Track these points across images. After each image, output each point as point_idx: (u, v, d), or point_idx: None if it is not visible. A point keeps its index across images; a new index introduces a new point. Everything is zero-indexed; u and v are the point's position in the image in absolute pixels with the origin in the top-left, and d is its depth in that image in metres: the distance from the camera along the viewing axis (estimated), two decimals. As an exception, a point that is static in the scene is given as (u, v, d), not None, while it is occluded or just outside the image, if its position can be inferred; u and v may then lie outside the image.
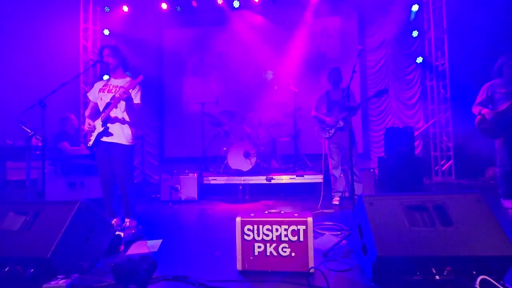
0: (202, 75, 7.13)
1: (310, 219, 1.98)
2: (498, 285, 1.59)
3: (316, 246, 2.08)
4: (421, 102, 6.32)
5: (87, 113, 3.17)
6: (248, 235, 2.01)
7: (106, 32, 6.79)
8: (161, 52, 7.30)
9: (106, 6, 6.71)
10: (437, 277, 1.64)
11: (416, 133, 5.92)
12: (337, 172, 4.25)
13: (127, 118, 3.03)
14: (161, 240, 2.77)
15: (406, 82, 6.40)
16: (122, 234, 2.59)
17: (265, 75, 6.22)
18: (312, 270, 1.93)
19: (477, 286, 1.59)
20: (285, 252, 1.98)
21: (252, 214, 2.07)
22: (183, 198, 4.79)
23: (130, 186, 3.07)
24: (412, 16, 6.25)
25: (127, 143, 3.02)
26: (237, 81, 6.84)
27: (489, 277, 1.61)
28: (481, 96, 3.64)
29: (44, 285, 1.71)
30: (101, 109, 3.04)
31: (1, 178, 4.33)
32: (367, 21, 6.70)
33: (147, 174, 6.83)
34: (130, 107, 2.97)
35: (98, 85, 3.14)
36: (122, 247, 2.54)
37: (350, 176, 3.09)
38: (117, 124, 2.99)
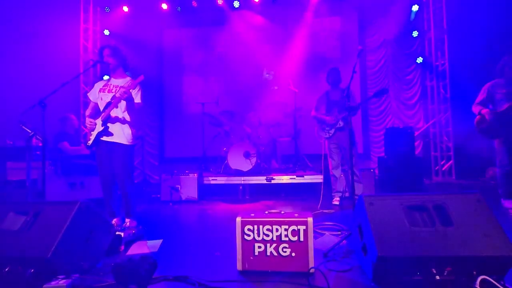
0: (202, 75, 7.13)
1: (310, 219, 1.98)
2: (499, 285, 1.59)
3: (316, 246, 2.08)
4: (421, 102, 6.31)
5: (87, 113, 3.18)
6: (249, 235, 2.01)
7: (107, 32, 6.79)
8: (161, 52, 7.30)
9: (106, 6, 6.71)
10: (438, 277, 1.64)
11: (416, 133, 5.92)
12: (337, 172, 4.25)
13: (127, 118, 3.03)
14: (162, 240, 2.77)
15: (406, 82, 6.40)
16: (122, 234, 2.59)
17: (266, 75, 6.21)
18: (312, 270, 1.93)
19: (478, 286, 1.59)
20: (285, 252, 1.98)
21: (252, 214, 2.07)
22: (183, 198, 4.79)
23: (131, 186, 3.07)
24: (412, 16, 6.25)
25: (127, 143, 3.02)
26: (237, 81, 6.84)
27: (490, 277, 1.61)
28: (481, 96, 3.64)
29: (44, 285, 1.71)
30: (101, 109, 3.04)
31: (2, 178, 4.33)
32: (367, 21, 6.70)
33: (147, 174, 6.83)
34: (131, 106, 2.97)
35: (99, 85, 3.14)
36: (122, 247, 2.54)
37: (350, 176, 3.09)
38: (118, 124, 3.00)
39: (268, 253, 1.99)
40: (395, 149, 4.92)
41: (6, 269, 1.79)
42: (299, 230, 1.98)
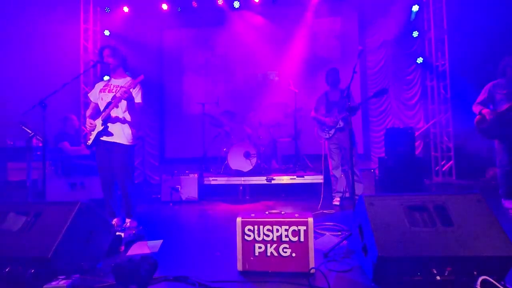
0: (202, 75, 7.13)
1: (310, 220, 1.98)
2: (499, 285, 1.59)
3: (316, 246, 2.08)
4: (422, 102, 6.31)
5: (88, 113, 3.18)
6: (249, 236, 2.01)
7: (107, 32, 6.80)
8: (162, 52, 7.30)
9: (106, 6, 6.71)
10: (438, 277, 1.64)
11: (416, 133, 5.91)
12: (337, 173, 4.25)
13: (128, 118, 3.03)
14: (162, 240, 2.77)
15: (407, 82, 6.40)
16: (122, 234, 2.59)
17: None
18: (312, 271, 1.93)
19: (478, 287, 1.59)
20: (285, 252, 1.98)
21: (253, 215, 2.07)
22: (183, 199, 4.79)
23: (131, 187, 3.07)
24: (413, 16, 6.25)
25: (127, 143, 3.03)
26: (238, 81, 6.84)
27: (490, 277, 1.61)
28: (482, 96, 3.63)
29: (44, 286, 1.71)
30: (101, 109, 3.04)
31: (2, 179, 4.34)
32: (367, 21, 6.70)
33: (147, 175, 6.83)
34: (131, 106, 2.97)
35: (99, 86, 3.15)
36: (122, 248, 2.54)
37: (350, 177, 3.09)
38: (118, 124, 3.00)
39: (269, 254, 1.99)
40: (396, 149, 4.92)
41: (7, 269, 1.79)
42: (299, 230, 1.98)
